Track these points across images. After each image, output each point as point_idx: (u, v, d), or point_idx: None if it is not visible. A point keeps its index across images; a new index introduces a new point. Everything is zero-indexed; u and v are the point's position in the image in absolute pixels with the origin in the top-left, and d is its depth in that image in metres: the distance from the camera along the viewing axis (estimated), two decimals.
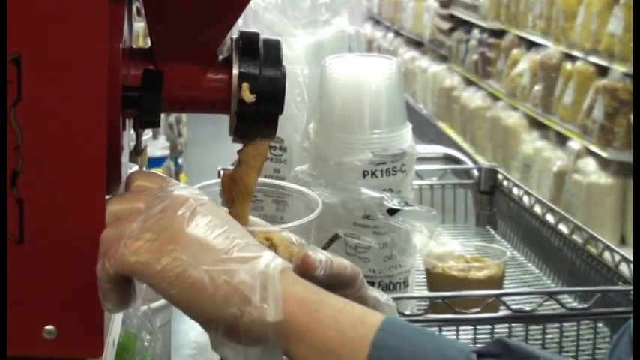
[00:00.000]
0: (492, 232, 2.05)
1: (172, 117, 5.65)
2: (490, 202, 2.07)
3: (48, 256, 0.87)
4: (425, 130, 7.57)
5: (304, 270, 0.90)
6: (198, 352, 2.12)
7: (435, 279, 1.61)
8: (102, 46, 0.84)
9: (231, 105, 0.93)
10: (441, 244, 1.66)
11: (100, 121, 0.85)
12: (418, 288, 1.63)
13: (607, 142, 4.79)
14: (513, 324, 1.45)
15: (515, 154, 6.04)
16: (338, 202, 1.43)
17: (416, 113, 8.16)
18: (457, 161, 2.27)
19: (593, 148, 4.96)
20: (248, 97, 0.92)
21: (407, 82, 8.44)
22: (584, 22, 5.13)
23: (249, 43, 0.94)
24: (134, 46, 0.98)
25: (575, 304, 1.54)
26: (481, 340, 1.43)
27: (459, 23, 7.71)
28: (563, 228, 1.79)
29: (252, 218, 1.00)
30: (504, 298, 1.44)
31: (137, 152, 1.01)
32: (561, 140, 5.51)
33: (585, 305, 1.45)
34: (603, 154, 4.85)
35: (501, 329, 1.45)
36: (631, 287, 1.46)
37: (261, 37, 0.95)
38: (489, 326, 1.44)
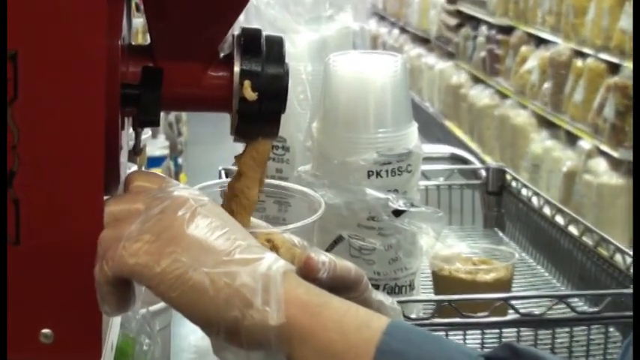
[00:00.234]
0: (500, 233, 2.05)
1: (172, 115, 5.65)
2: (498, 203, 2.07)
3: (45, 257, 0.87)
4: (431, 129, 7.57)
5: (307, 272, 0.90)
6: (199, 357, 2.12)
7: (442, 282, 1.61)
8: (100, 42, 0.84)
9: (233, 103, 0.93)
10: (447, 246, 1.66)
11: (98, 120, 0.85)
12: (424, 291, 1.63)
13: (618, 141, 4.79)
14: (522, 328, 1.45)
15: (524, 153, 6.04)
16: (342, 202, 1.43)
17: (422, 112, 8.16)
18: (464, 161, 2.27)
19: (604, 148, 4.96)
20: (250, 95, 0.92)
21: (413, 80, 8.45)
22: (595, 17, 5.13)
23: (251, 39, 0.94)
24: (133, 43, 0.98)
25: (585, 308, 1.54)
26: (489, 345, 1.43)
27: (467, 19, 7.70)
28: (573, 230, 1.79)
29: (253, 220, 1.00)
30: (513, 302, 1.44)
31: (136, 152, 1.01)
32: (571, 139, 5.51)
33: (596, 309, 1.45)
34: (614, 154, 4.84)
35: (510, 334, 1.45)
36: None
37: (264, 33, 0.95)
38: (497, 330, 1.44)
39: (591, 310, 1.48)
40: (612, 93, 4.85)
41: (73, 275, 0.87)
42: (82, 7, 0.84)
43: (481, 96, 7.13)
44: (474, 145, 7.03)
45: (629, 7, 4.73)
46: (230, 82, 0.93)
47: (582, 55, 5.37)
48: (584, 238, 1.74)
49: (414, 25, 9.22)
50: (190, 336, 2.18)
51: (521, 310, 1.43)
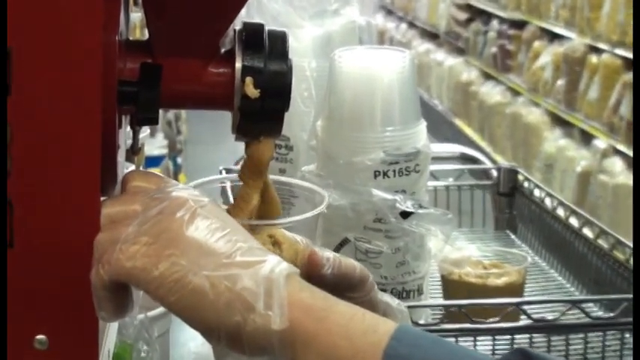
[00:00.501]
0: (512, 236, 2.05)
1: (171, 113, 5.65)
2: (510, 205, 2.07)
3: (39, 261, 0.87)
4: (440, 128, 7.57)
5: (311, 268, 0.90)
6: None
7: (451, 286, 1.61)
8: (96, 38, 0.84)
9: (234, 101, 0.93)
10: (457, 249, 1.66)
11: (95, 118, 0.85)
12: (433, 296, 1.63)
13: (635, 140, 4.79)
14: (535, 334, 1.45)
15: (537, 153, 6.04)
16: (347, 204, 1.44)
17: (431, 110, 8.16)
18: (475, 161, 2.27)
19: (620, 147, 4.96)
20: (252, 92, 0.92)
21: (421, 77, 8.45)
22: (610, 12, 5.13)
23: (253, 34, 0.94)
24: (131, 38, 0.99)
25: (600, 314, 1.54)
26: (500, 352, 1.43)
27: (477, 13, 7.70)
28: (587, 232, 1.78)
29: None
30: (525, 307, 1.44)
31: (134, 151, 1.01)
32: (586, 138, 5.51)
33: (611, 315, 1.45)
34: (631, 154, 4.84)
35: (522, 340, 1.45)
36: None
37: (266, 28, 0.95)
38: (509, 337, 1.44)
39: (607, 315, 1.48)
40: (628, 90, 4.85)
41: (69, 279, 0.87)
42: (77, 1, 0.84)
43: (492, 93, 7.13)
44: (484, 145, 7.04)
45: None
46: (231, 79, 0.93)
47: (597, 51, 5.37)
48: (600, 241, 1.74)
49: (422, 20, 9.22)
50: (190, 342, 2.18)
51: (534, 316, 1.43)
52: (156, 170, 2.62)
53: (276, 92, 0.93)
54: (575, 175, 5.38)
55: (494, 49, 7.14)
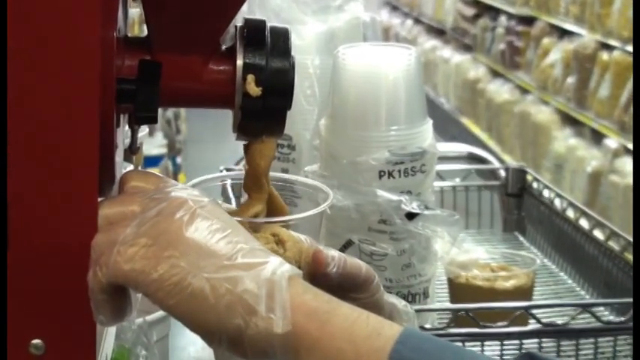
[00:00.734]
0: (521, 238, 2.05)
1: (170, 112, 5.66)
2: (518, 206, 2.07)
3: (35, 263, 0.87)
4: (447, 127, 7.57)
5: (315, 266, 0.90)
6: None
7: (458, 290, 1.61)
8: (94, 34, 0.84)
9: (235, 99, 0.93)
10: (464, 251, 1.66)
11: (92, 117, 0.85)
12: (439, 299, 1.63)
13: None
14: (544, 339, 1.45)
15: (546, 152, 6.03)
16: (351, 205, 1.44)
17: (437, 108, 8.16)
18: (482, 160, 2.27)
19: (632, 147, 4.95)
20: (253, 90, 0.92)
21: (427, 74, 8.44)
22: (621, 8, 5.13)
23: (254, 31, 0.94)
24: (129, 35, 0.99)
25: (611, 318, 1.54)
26: (508, 357, 1.44)
27: (485, 9, 7.70)
28: (598, 234, 1.78)
29: None
30: (534, 311, 1.44)
31: (132, 150, 1.01)
32: (597, 138, 5.50)
33: (623, 319, 1.45)
34: None
35: (531, 345, 1.45)
36: None
37: (268, 24, 0.95)
38: (517, 341, 1.44)
39: (618, 319, 1.48)
40: None
41: (66, 282, 0.87)
42: None
43: (500, 91, 7.12)
44: (492, 144, 7.03)
45: None
46: (232, 77, 0.93)
47: (608, 48, 5.36)
48: (610, 243, 1.74)
49: (428, 16, 9.22)
50: (190, 347, 2.18)
51: (543, 320, 1.43)
52: (155, 170, 2.62)
53: (279, 90, 0.93)
54: (585, 176, 5.37)
55: (502, 46, 7.14)
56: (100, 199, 0.88)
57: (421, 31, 9.47)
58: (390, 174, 1.45)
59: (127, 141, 1.00)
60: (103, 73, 0.86)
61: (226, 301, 0.82)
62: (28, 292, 0.87)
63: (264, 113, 0.93)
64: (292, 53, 0.94)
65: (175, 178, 4.92)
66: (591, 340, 1.47)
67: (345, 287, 0.94)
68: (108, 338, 1.06)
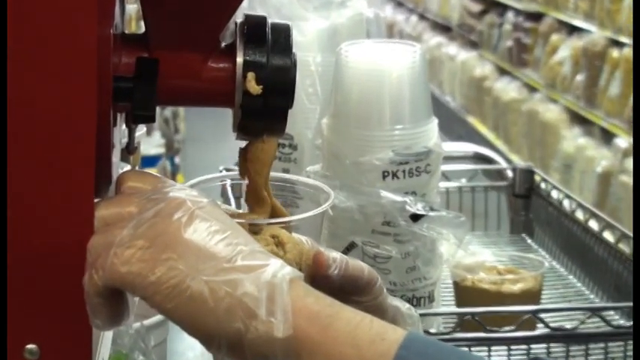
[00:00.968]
0: (529, 240, 2.05)
1: (168, 111, 5.66)
2: (526, 207, 2.07)
3: (29, 266, 0.87)
4: (453, 126, 7.57)
5: (316, 268, 0.90)
6: None
7: (464, 293, 1.61)
8: (90, 31, 0.84)
9: (235, 97, 0.93)
10: (470, 253, 1.66)
11: (89, 116, 0.86)
12: (445, 303, 1.63)
13: None
14: (552, 344, 1.45)
15: (555, 152, 6.03)
16: (355, 206, 1.44)
17: (442, 107, 8.16)
18: (489, 160, 2.27)
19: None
20: (254, 88, 0.92)
21: (432, 72, 8.44)
22: (632, 3, 5.12)
23: (255, 27, 0.94)
24: (126, 32, 0.99)
25: (622, 322, 1.53)
26: None
27: (492, 5, 7.70)
28: (608, 236, 1.78)
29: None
30: (542, 315, 1.44)
31: (129, 150, 1.01)
32: (606, 137, 5.50)
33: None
34: None
35: (539, 350, 1.45)
36: None
37: (269, 21, 0.95)
38: (525, 346, 1.44)
39: (628, 324, 1.48)
40: None
41: (61, 285, 0.87)
42: None
43: (507, 89, 7.12)
44: (499, 143, 7.03)
45: None
46: (232, 75, 0.93)
47: (619, 45, 5.36)
48: (621, 246, 1.74)
49: (434, 12, 9.22)
50: (188, 352, 2.18)
51: (552, 324, 1.43)
52: (153, 170, 2.62)
53: (280, 88, 0.93)
54: (595, 176, 5.37)
55: (509, 43, 7.14)
56: (96, 200, 0.88)
57: (426, 27, 9.47)
58: (394, 174, 1.45)
59: (124, 140, 1.01)
60: (100, 70, 0.86)
61: (226, 305, 0.82)
62: (22, 296, 0.87)
63: (264, 112, 0.93)
64: (294, 50, 0.95)
65: (173, 178, 4.93)
66: (601, 345, 1.47)
67: (347, 290, 0.94)
68: (104, 343, 1.06)
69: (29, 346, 0.88)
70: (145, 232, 0.84)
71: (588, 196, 5.26)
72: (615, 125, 5.30)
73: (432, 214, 1.45)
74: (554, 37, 6.34)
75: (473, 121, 7.86)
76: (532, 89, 6.78)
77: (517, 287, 1.58)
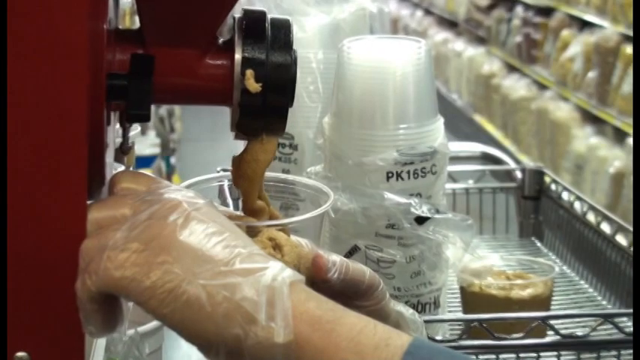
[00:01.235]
0: (538, 244, 2.05)
1: (164, 109, 5.67)
2: (536, 209, 2.07)
3: (20, 270, 0.87)
4: (459, 125, 7.57)
5: (315, 272, 0.90)
6: None
7: (471, 299, 1.61)
8: (82, 26, 0.85)
9: (233, 95, 0.93)
10: (478, 257, 1.66)
11: (81, 115, 0.86)
12: (451, 309, 1.63)
13: None
14: (563, 351, 1.45)
15: (566, 152, 6.03)
16: (357, 208, 1.44)
17: (449, 105, 8.16)
18: (497, 161, 2.27)
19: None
20: (253, 86, 0.92)
21: (438, 69, 8.45)
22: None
23: (254, 23, 0.95)
24: (120, 27, 0.99)
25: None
26: None
27: None
28: (621, 239, 1.78)
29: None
30: (552, 322, 1.44)
31: (124, 150, 1.01)
32: (619, 136, 5.50)
33: None
34: None
35: (549, 357, 1.45)
36: None
37: (269, 16, 0.96)
38: (535, 354, 1.44)
39: None
40: None
41: (53, 291, 0.88)
42: None
43: (516, 87, 7.12)
44: (507, 143, 7.03)
45: None
46: (230, 72, 0.93)
47: (632, 41, 5.36)
48: (634, 249, 1.73)
49: (440, 6, 9.23)
50: None
51: (562, 331, 1.43)
52: (147, 171, 2.62)
53: (279, 86, 0.93)
54: (607, 177, 5.37)
55: (518, 39, 7.14)
56: (88, 202, 0.88)
57: (432, 22, 9.47)
58: (399, 175, 1.45)
59: (118, 140, 1.01)
60: (93, 67, 0.86)
61: (224, 310, 0.82)
62: (12, 302, 0.87)
63: (263, 111, 0.94)
64: (294, 47, 0.95)
65: (169, 179, 4.93)
66: (613, 352, 1.47)
67: (348, 294, 0.94)
68: (97, 351, 1.06)
69: (19, 353, 0.88)
70: (140, 234, 0.84)
71: (600, 197, 5.26)
72: (628, 124, 5.30)
73: (437, 216, 1.45)
74: (565, 33, 6.34)
75: (480, 119, 7.86)
76: (542, 87, 6.77)
77: (526, 293, 1.58)
